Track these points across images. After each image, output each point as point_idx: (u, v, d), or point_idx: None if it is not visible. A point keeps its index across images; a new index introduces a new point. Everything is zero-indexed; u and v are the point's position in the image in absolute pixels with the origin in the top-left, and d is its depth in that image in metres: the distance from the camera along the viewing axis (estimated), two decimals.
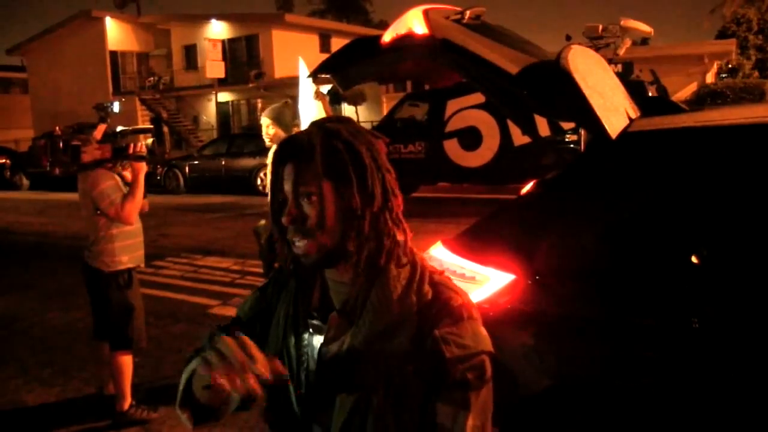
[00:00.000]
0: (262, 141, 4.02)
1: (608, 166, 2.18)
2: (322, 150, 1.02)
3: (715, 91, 18.12)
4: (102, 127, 4.40)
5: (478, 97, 9.74)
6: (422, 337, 1.01)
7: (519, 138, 9.80)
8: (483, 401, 1.02)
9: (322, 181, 1.02)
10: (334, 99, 20.41)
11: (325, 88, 3.34)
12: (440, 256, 2.23)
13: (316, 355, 1.08)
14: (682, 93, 18.02)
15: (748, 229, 1.91)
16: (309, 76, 3.25)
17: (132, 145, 3.53)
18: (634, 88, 3.75)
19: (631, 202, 2.07)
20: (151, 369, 4.23)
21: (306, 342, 1.10)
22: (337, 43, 24.51)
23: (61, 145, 19.09)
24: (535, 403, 2.08)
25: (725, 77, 23.69)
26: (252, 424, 3.31)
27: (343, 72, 2.68)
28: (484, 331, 1.05)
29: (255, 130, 21.39)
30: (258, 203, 12.49)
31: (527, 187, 2.55)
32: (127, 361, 3.50)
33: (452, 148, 11.21)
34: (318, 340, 1.08)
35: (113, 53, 29.30)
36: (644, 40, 21.20)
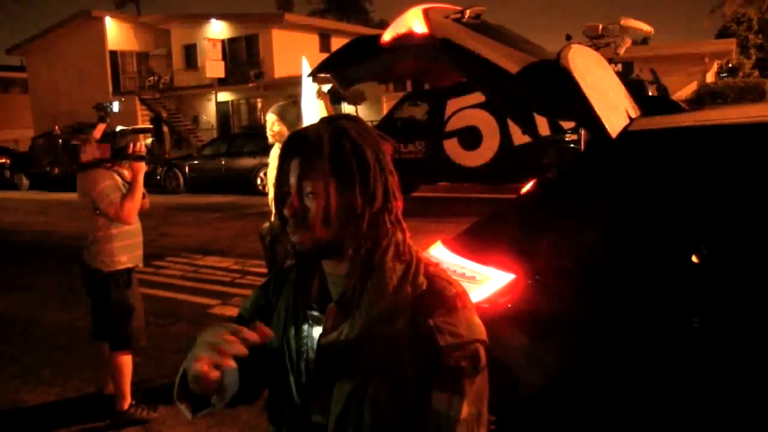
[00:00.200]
0: (262, 140, 4.03)
1: (608, 166, 2.17)
2: (329, 147, 1.04)
3: (716, 90, 18.13)
4: (101, 127, 4.39)
5: (478, 97, 9.74)
6: (417, 326, 1.04)
7: (519, 137, 9.79)
8: (478, 389, 1.05)
9: (326, 178, 1.04)
10: (334, 98, 20.40)
11: (325, 88, 3.34)
12: (440, 255, 2.23)
13: (315, 346, 1.10)
14: (683, 92, 18.02)
15: (748, 228, 1.91)
16: (308, 76, 3.25)
17: (131, 144, 3.53)
18: (634, 88, 3.74)
19: (632, 201, 2.06)
20: (151, 369, 4.23)
21: (305, 333, 1.13)
22: (337, 43, 24.51)
23: (60, 144, 19.12)
24: (535, 402, 2.08)
25: (725, 77, 23.68)
26: (253, 424, 3.31)
27: (342, 71, 2.68)
28: (478, 321, 1.08)
29: (255, 129, 21.47)
30: (258, 203, 12.46)
31: (527, 187, 2.55)
32: (126, 361, 3.50)
33: (452, 147, 11.21)
34: (317, 331, 1.11)
35: (113, 53, 29.28)
36: (644, 40, 21.18)
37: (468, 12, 2.41)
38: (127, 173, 3.55)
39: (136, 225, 3.60)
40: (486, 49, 2.25)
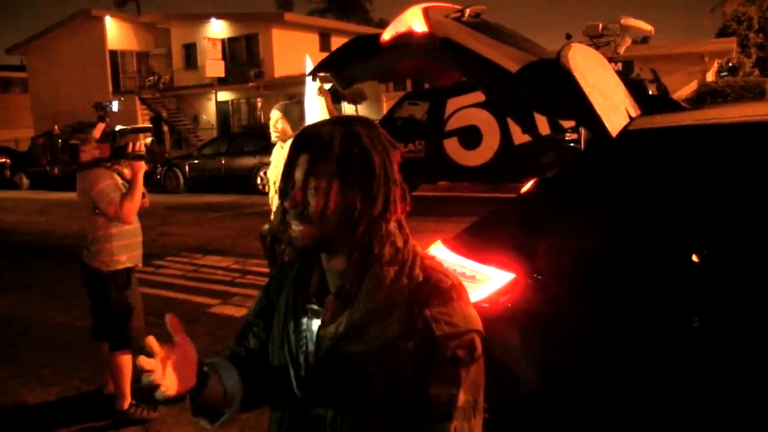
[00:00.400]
0: (262, 140, 4.02)
1: (608, 165, 2.17)
2: (339, 149, 1.07)
3: (716, 89, 18.09)
4: (101, 126, 4.38)
5: (478, 96, 9.73)
6: (413, 317, 1.06)
7: (519, 137, 9.79)
8: (474, 378, 1.07)
9: (331, 178, 1.06)
10: (334, 98, 20.38)
11: (326, 86, 3.33)
12: (440, 255, 2.23)
13: (314, 338, 1.13)
14: (683, 91, 18.00)
15: (748, 227, 1.91)
16: (308, 75, 3.24)
17: (131, 144, 3.52)
18: (635, 87, 3.74)
19: (632, 200, 2.06)
20: None
21: (305, 326, 1.15)
22: (337, 42, 24.46)
23: (59, 144, 19.11)
24: (535, 400, 2.08)
25: (725, 76, 23.64)
26: (253, 424, 3.31)
27: (342, 70, 2.68)
28: (473, 311, 1.11)
29: (255, 129, 21.45)
30: (258, 202, 12.45)
31: (527, 186, 2.55)
32: (126, 361, 3.50)
33: (452, 146, 11.20)
34: (316, 324, 1.14)
35: (113, 52, 29.26)
36: (645, 39, 21.16)
37: (468, 11, 2.41)
38: (126, 172, 3.55)
39: (135, 224, 3.60)
40: (486, 48, 2.24)
